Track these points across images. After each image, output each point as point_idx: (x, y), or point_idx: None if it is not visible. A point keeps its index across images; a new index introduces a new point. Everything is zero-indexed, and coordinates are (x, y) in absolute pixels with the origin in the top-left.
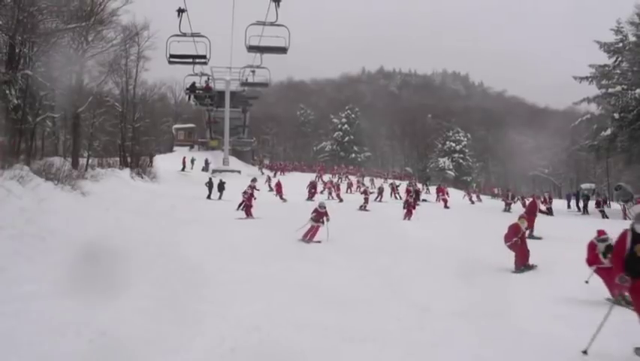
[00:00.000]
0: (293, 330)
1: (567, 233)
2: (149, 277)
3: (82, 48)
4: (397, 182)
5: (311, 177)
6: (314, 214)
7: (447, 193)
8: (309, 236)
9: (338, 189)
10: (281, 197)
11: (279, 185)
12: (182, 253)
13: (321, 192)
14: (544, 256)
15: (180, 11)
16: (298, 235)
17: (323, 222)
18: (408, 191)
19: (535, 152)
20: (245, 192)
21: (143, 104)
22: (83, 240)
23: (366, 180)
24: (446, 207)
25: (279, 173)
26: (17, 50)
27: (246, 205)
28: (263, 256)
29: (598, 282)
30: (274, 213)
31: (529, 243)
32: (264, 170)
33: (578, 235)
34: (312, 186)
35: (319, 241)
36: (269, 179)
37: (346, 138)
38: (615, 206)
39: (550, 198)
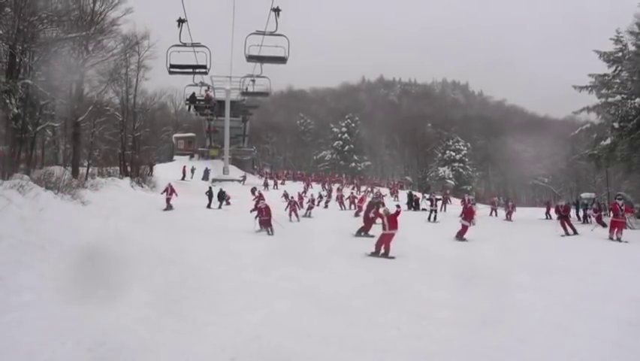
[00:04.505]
0: (293, 339)
1: (571, 241)
2: (148, 286)
3: (82, 57)
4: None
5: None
6: None
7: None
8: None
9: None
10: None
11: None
12: (182, 262)
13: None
14: (548, 265)
15: (180, 21)
16: None
17: None
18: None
19: (535, 161)
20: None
21: (143, 113)
22: (83, 249)
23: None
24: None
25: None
26: (17, 59)
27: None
28: (263, 264)
29: (599, 291)
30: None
31: None
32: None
33: (581, 244)
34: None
35: None
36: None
37: (346, 147)
38: None
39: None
